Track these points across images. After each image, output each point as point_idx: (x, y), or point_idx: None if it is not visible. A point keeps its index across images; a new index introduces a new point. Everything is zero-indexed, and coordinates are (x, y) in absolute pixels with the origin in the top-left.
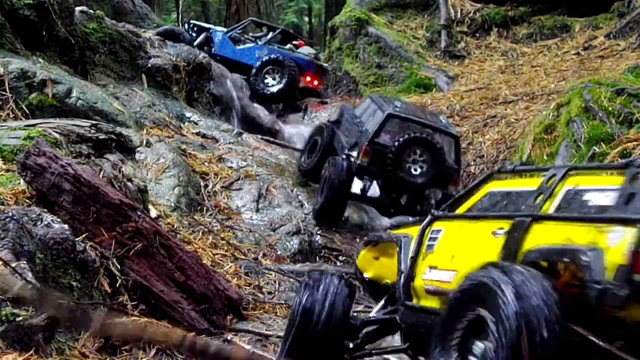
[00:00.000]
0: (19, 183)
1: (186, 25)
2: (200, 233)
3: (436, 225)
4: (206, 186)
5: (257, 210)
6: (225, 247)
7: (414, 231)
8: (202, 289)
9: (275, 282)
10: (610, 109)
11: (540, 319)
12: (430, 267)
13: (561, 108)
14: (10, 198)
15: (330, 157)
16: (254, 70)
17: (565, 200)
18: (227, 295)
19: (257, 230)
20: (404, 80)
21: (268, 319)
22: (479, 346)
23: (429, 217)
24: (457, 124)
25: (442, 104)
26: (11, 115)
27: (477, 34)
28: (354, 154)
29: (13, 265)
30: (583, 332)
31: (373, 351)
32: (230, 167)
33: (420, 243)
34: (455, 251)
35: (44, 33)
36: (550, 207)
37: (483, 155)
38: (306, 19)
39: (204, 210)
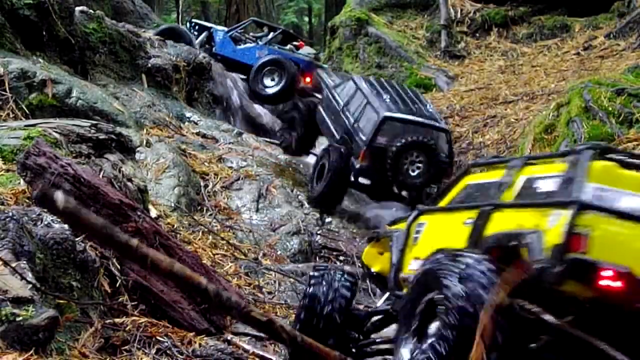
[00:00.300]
0: (19, 183)
1: (187, 24)
2: (200, 233)
3: (421, 219)
4: (206, 186)
5: (257, 210)
6: (225, 247)
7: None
8: None
9: (275, 282)
10: (610, 109)
11: (482, 298)
12: (415, 258)
13: (561, 108)
14: (10, 198)
15: (331, 147)
16: (253, 70)
17: (523, 188)
18: None
19: (257, 230)
20: (404, 80)
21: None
22: (432, 327)
23: (415, 212)
24: (457, 124)
25: (442, 104)
26: (11, 115)
27: (477, 34)
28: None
29: (13, 265)
30: (529, 306)
31: (377, 340)
32: (230, 167)
33: (407, 236)
34: (434, 242)
35: (44, 33)
36: (510, 196)
37: (483, 155)
38: (306, 19)
39: (204, 210)
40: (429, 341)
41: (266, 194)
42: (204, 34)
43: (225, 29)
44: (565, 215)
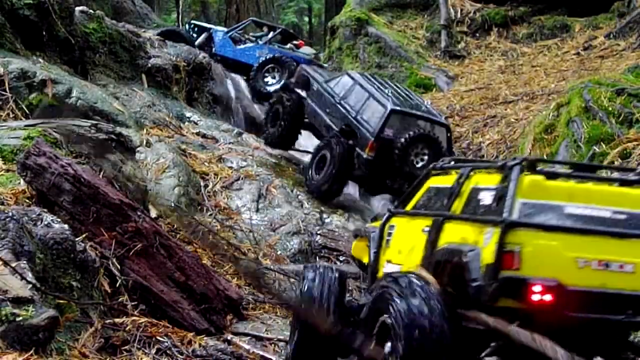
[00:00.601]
0: (19, 183)
1: (187, 26)
2: (200, 233)
3: (392, 221)
4: (206, 186)
5: (257, 210)
6: (225, 247)
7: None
8: (202, 289)
9: (275, 282)
10: (610, 109)
11: (422, 314)
12: (387, 261)
13: (561, 108)
14: (10, 198)
15: (334, 137)
16: (253, 69)
17: (468, 199)
18: (227, 295)
19: (257, 230)
20: (404, 80)
21: (268, 319)
22: (387, 345)
23: (387, 214)
24: (457, 124)
25: (442, 104)
26: (11, 115)
27: (477, 34)
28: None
29: (13, 265)
30: (471, 315)
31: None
32: (230, 167)
33: (380, 238)
34: (400, 246)
35: (44, 33)
36: (459, 206)
37: (483, 155)
38: (306, 19)
39: (204, 210)
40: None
41: (266, 194)
42: (203, 35)
43: (225, 29)
44: (496, 233)
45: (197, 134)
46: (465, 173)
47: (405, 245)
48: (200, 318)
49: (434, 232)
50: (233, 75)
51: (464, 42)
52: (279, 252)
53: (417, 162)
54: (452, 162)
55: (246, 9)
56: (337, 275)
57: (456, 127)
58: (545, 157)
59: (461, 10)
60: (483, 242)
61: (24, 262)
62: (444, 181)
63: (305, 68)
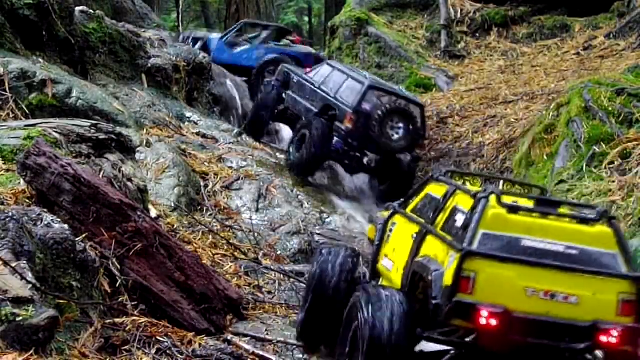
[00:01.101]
0: (19, 183)
1: (181, 37)
2: (200, 233)
3: (395, 219)
4: (206, 186)
5: (257, 210)
6: (225, 247)
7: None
8: (202, 289)
9: (275, 282)
10: (610, 109)
11: (388, 325)
12: (385, 255)
13: (561, 108)
14: (10, 198)
15: (312, 117)
16: (254, 72)
17: (449, 216)
18: (227, 295)
19: (257, 230)
20: (404, 80)
21: (268, 319)
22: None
23: (391, 210)
24: (457, 124)
25: (442, 104)
26: (11, 115)
27: (477, 34)
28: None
29: (13, 265)
30: (428, 334)
31: None
32: (230, 167)
33: (383, 232)
34: (396, 245)
35: (44, 33)
36: (442, 221)
37: (483, 155)
38: (306, 19)
39: (204, 210)
40: None
41: (266, 194)
42: (198, 45)
43: (219, 35)
44: (457, 259)
45: (197, 134)
46: (451, 191)
47: (399, 245)
48: (200, 318)
49: (418, 242)
50: (233, 75)
51: (464, 42)
52: (279, 252)
53: (393, 135)
54: (449, 174)
55: (246, 9)
56: (349, 252)
57: (456, 127)
58: (545, 157)
59: (461, 10)
60: (447, 264)
61: (24, 262)
62: (438, 192)
63: (285, 66)
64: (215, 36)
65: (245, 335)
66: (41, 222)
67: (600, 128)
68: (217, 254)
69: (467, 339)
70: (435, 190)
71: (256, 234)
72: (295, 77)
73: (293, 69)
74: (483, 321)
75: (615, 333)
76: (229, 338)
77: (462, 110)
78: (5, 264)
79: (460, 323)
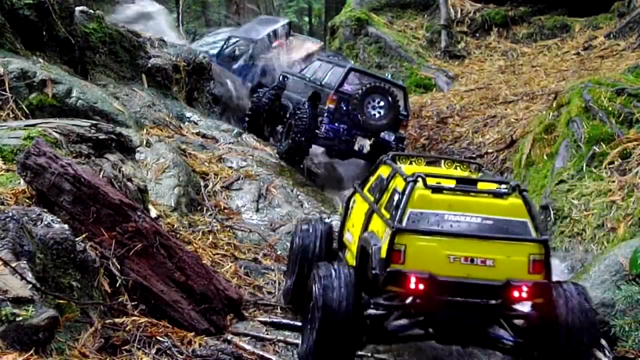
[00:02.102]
0: (19, 183)
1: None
2: (200, 233)
3: (355, 197)
4: (206, 186)
5: (257, 210)
6: (225, 247)
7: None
8: (202, 289)
9: (275, 282)
10: (610, 109)
11: (336, 299)
12: (347, 230)
13: (561, 108)
14: (10, 198)
15: (297, 103)
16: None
17: (390, 196)
18: (227, 295)
19: (257, 230)
20: (404, 80)
21: (268, 319)
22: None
23: (352, 189)
24: (457, 124)
25: (442, 104)
26: (11, 115)
27: (477, 34)
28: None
29: (13, 265)
30: (370, 299)
31: None
32: (230, 167)
33: (346, 208)
34: (354, 221)
35: (44, 33)
36: (385, 201)
37: (483, 155)
38: (306, 19)
39: (204, 210)
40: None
41: (266, 194)
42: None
43: (214, 52)
44: (389, 235)
45: (197, 134)
46: (392, 174)
47: (356, 221)
48: (200, 318)
49: (366, 218)
50: (233, 75)
51: (464, 42)
52: (279, 252)
53: (375, 115)
54: (393, 158)
55: (246, 9)
56: (326, 226)
57: (456, 127)
58: (545, 157)
59: (461, 10)
60: (383, 239)
61: (24, 262)
62: (385, 173)
63: (287, 73)
64: (212, 52)
65: (246, 335)
66: (41, 222)
67: (600, 128)
68: (217, 254)
69: (406, 302)
70: (384, 172)
71: (256, 234)
72: (291, 78)
73: (290, 72)
74: (412, 286)
75: (525, 289)
76: (229, 338)
77: (462, 110)
78: (5, 264)
79: (395, 289)
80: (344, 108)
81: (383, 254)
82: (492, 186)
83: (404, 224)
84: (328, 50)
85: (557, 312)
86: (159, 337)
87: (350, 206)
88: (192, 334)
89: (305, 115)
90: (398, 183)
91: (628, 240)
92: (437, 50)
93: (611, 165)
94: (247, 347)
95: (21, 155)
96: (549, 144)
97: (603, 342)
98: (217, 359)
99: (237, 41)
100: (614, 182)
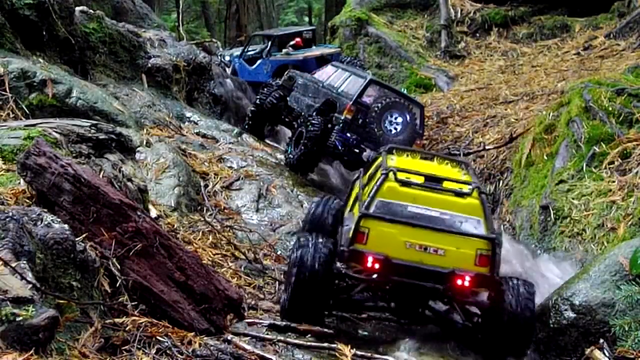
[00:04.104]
0: (19, 183)
1: (220, 58)
2: (200, 233)
3: (354, 183)
4: (206, 186)
5: (257, 210)
6: (225, 247)
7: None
8: (202, 289)
9: (275, 282)
10: (610, 109)
11: (309, 261)
12: (349, 209)
13: (561, 108)
14: (10, 198)
15: (312, 115)
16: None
17: (373, 184)
18: (227, 295)
19: (257, 230)
20: (404, 80)
21: (268, 318)
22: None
23: (356, 175)
24: (457, 124)
25: (442, 104)
26: (11, 115)
27: (477, 34)
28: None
29: (13, 265)
30: (341, 268)
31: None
32: (230, 167)
33: (350, 190)
34: (350, 203)
35: (44, 33)
36: (372, 188)
37: (483, 155)
38: (306, 19)
39: (204, 210)
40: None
41: (266, 194)
42: (228, 69)
43: (238, 52)
44: (356, 218)
45: (197, 134)
46: (379, 164)
47: (351, 204)
48: (200, 318)
49: (353, 201)
50: (233, 75)
51: (464, 42)
52: (279, 252)
53: (391, 130)
54: (389, 150)
55: (246, 9)
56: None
57: (456, 127)
58: (545, 157)
59: (461, 10)
60: (353, 220)
61: (24, 262)
62: (378, 163)
63: (295, 72)
64: (235, 54)
65: (246, 335)
66: (41, 222)
67: (600, 128)
68: (217, 254)
69: (366, 278)
70: (377, 162)
71: (256, 234)
72: (300, 79)
73: (298, 72)
74: (369, 264)
75: (467, 278)
76: (229, 338)
77: (462, 110)
78: (5, 264)
79: (355, 265)
80: (360, 120)
81: (350, 234)
82: (456, 186)
83: (371, 210)
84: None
85: (503, 302)
86: (159, 337)
87: (351, 188)
88: (192, 334)
89: (317, 123)
90: (378, 174)
91: (628, 240)
92: (437, 50)
93: (611, 165)
94: (247, 347)
95: (21, 155)
96: (549, 144)
97: (602, 342)
98: (217, 359)
99: (258, 42)
100: (614, 182)
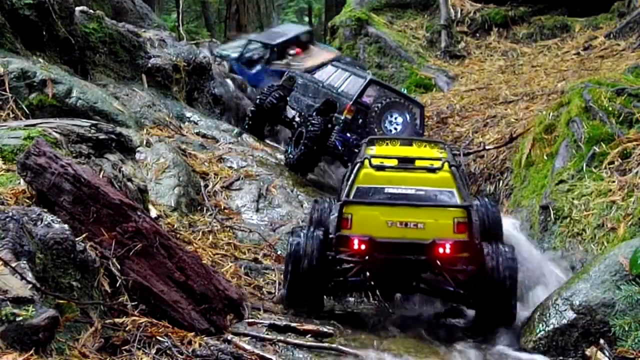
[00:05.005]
0: (19, 183)
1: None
2: (200, 233)
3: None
4: (206, 186)
5: (257, 210)
6: (225, 247)
7: None
8: (202, 289)
9: (275, 282)
10: (610, 109)
11: (302, 250)
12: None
13: (561, 108)
14: (10, 198)
15: (312, 115)
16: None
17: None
18: (227, 295)
19: (257, 230)
20: (404, 80)
21: (268, 319)
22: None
23: (354, 162)
24: (457, 124)
25: (442, 104)
26: (11, 115)
27: (477, 34)
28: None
29: (13, 265)
30: (334, 254)
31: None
32: (230, 167)
33: (341, 184)
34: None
35: (44, 33)
36: (350, 177)
37: (483, 155)
38: (306, 19)
39: (204, 210)
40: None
41: (266, 194)
42: (228, 67)
43: (232, 50)
44: (338, 206)
45: (197, 134)
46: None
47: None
48: (200, 318)
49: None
50: (233, 75)
51: (464, 42)
52: (279, 252)
53: (391, 130)
54: (370, 141)
55: (246, 9)
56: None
57: (456, 127)
58: (545, 157)
59: (461, 10)
60: (337, 209)
61: (24, 262)
62: (368, 152)
63: (295, 72)
64: (233, 56)
65: (246, 335)
66: (41, 222)
67: (600, 128)
68: (217, 254)
69: (356, 259)
70: (368, 151)
71: (256, 234)
72: (300, 79)
73: (299, 72)
74: (356, 247)
75: (447, 245)
76: (229, 338)
77: (462, 110)
78: (5, 264)
79: (345, 250)
80: (360, 120)
81: (335, 222)
82: (427, 163)
83: (351, 197)
84: (345, 56)
85: (486, 264)
86: (159, 337)
87: (341, 182)
88: (192, 334)
89: (317, 123)
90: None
91: (628, 240)
92: (437, 50)
93: (611, 165)
94: (247, 347)
95: (21, 155)
96: (549, 144)
97: (603, 342)
98: (217, 359)
99: (256, 47)
100: (614, 182)
